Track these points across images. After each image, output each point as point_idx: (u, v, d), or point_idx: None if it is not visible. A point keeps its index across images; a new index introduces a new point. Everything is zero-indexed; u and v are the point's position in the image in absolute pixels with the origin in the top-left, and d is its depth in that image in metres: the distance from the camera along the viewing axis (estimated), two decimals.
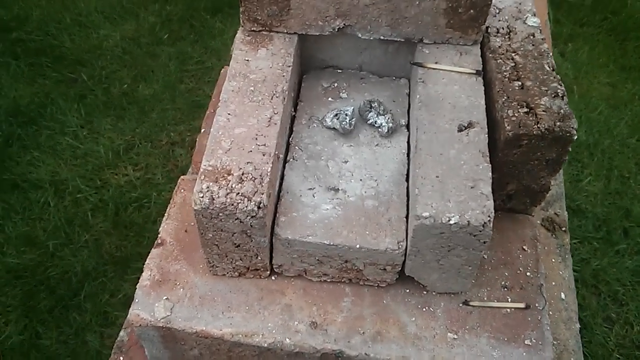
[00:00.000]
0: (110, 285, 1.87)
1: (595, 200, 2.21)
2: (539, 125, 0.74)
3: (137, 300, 0.77)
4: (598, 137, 2.29)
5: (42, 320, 1.86)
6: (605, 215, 2.18)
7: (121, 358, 0.89)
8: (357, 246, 0.72)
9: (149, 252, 0.81)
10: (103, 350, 1.73)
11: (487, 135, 0.74)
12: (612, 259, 2.12)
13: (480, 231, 0.67)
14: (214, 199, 0.65)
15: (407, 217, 0.75)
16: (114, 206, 2.05)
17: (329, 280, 0.78)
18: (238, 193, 0.66)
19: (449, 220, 0.67)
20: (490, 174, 0.70)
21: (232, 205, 0.65)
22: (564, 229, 1.04)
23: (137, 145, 2.20)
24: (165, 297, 0.77)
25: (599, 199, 2.20)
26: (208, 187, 0.66)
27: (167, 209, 0.85)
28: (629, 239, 2.17)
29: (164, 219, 0.84)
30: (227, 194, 0.66)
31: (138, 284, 0.78)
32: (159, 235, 0.83)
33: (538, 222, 1.01)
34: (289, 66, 0.80)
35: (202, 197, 0.65)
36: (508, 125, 0.74)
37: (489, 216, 0.67)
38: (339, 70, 0.92)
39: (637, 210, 2.18)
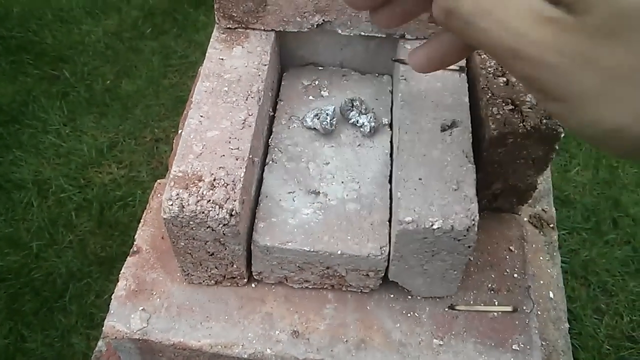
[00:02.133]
0: (96, 286, 1.84)
1: (583, 190, 2.20)
2: (524, 124, 0.71)
3: (112, 312, 0.74)
4: None
5: (27, 323, 1.83)
6: (594, 206, 2.17)
7: None
8: (339, 252, 0.70)
9: (124, 261, 0.78)
10: (89, 353, 1.70)
11: (471, 135, 0.72)
12: (601, 249, 2.12)
13: (465, 235, 0.65)
14: (183, 207, 0.62)
15: (390, 220, 0.73)
16: (98, 205, 2.02)
17: (310, 287, 0.76)
18: (209, 200, 0.63)
19: (432, 225, 0.64)
20: (475, 175, 0.68)
21: (203, 213, 0.62)
22: (551, 225, 1.02)
23: (120, 143, 2.17)
24: (141, 308, 0.74)
25: (587, 189, 2.20)
26: (178, 195, 0.63)
27: (143, 215, 0.83)
28: (618, 229, 2.16)
29: (140, 225, 0.82)
30: (198, 201, 0.63)
31: (113, 294, 0.76)
32: (135, 243, 0.80)
33: (525, 219, 0.99)
34: (265, 65, 0.77)
35: (172, 205, 0.62)
36: (493, 123, 0.71)
37: (473, 220, 0.64)
38: (320, 68, 0.89)
39: (626, 200, 2.18)
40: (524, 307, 0.77)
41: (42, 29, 2.49)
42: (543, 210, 1.03)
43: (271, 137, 0.80)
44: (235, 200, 0.64)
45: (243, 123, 0.71)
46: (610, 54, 0.30)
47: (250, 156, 0.69)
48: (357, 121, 0.80)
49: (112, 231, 1.92)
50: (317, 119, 0.79)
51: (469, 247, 0.66)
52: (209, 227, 0.65)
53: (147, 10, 2.59)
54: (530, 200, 0.99)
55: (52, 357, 1.75)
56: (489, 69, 0.77)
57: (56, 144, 2.13)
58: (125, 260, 0.81)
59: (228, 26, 0.80)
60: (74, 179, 2.05)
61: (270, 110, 0.82)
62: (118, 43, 2.43)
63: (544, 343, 0.92)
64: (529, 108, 0.73)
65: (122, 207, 1.98)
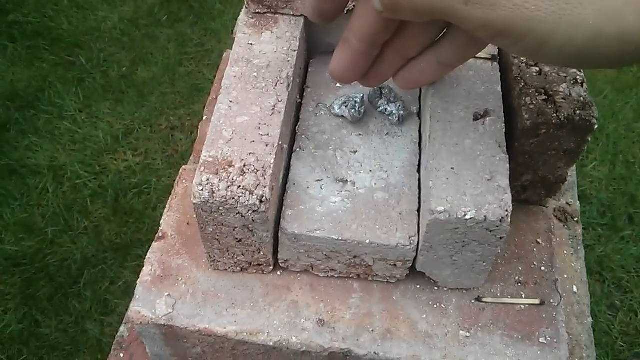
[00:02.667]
0: (110, 273, 1.85)
1: (600, 185, 2.18)
2: (558, 114, 0.70)
3: (137, 297, 0.74)
4: (603, 121, 2.26)
5: (41, 308, 1.84)
6: (610, 201, 2.15)
7: (122, 354, 0.87)
8: (367, 241, 0.69)
9: (150, 244, 0.78)
10: (103, 339, 1.72)
11: (504, 125, 0.71)
12: (616, 245, 2.10)
13: (498, 226, 0.64)
14: (214, 192, 0.62)
15: (419, 210, 0.72)
16: (113, 192, 2.02)
17: (336, 276, 0.75)
18: (239, 186, 0.62)
19: (464, 215, 0.63)
20: (508, 165, 0.67)
21: (233, 199, 0.62)
22: (575, 219, 1.00)
23: (136, 130, 2.17)
24: (167, 294, 0.74)
25: (603, 184, 2.18)
26: (208, 180, 0.63)
27: (169, 200, 0.82)
28: (634, 225, 2.14)
29: (165, 210, 0.81)
30: (228, 187, 0.62)
31: (139, 279, 0.75)
32: (160, 228, 0.80)
33: (550, 212, 0.98)
34: (295, 50, 0.76)
35: (202, 190, 0.62)
36: (526, 113, 0.70)
37: (506, 210, 0.63)
38: None
39: None
40: (551, 301, 0.76)
41: (58, 14, 2.49)
42: (567, 203, 1.02)
43: (298, 124, 0.79)
44: (265, 187, 0.64)
45: (272, 109, 0.70)
46: None
47: (280, 143, 0.68)
48: (386, 109, 0.79)
49: (127, 218, 1.93)
50: (346, 107, 0.78)
51: (501, 238, 0.66)
52: (238, 213, 0.64)
53: None
54: (558, 193, 0.97)
55: (66, 342, 1.76)
56: (522, 58, 0.76)
57: (72, 130, 2.14)
58: (142, 247, 0.81)
59: (257, 10, 0.79)
60: (90, 166, 2.05)
61: (298, 97, 0.81)
62: (134, 30, 2.43)
63: (567, 337, 0.91)
64: (562, 99, 0.72)
65: (137, 194, 1.98)
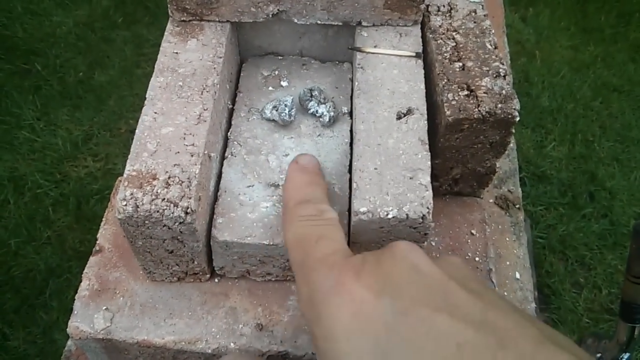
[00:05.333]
0: (75, 282, 1.83)
1: (560, 165, 2.22)
2: (479, 109, 0.71)
3: (75, 312, 0.74)
4: (561, 101, 2.30)
5: (8, 321, 1.83)
6: (570, 180, 2.19)
7: None
8: None
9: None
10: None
11: (426, 122, 0.72)
12: (578, 223, 2.14)
13: (420, 224, 0.65)
14: (137, 207, 0.62)
15: (349, 210, 0.73)
16: (75, 200, 2.01)
17: (274, 279, 0.76)
18: (164, 199, 0.63)
19: (387, 215, 0.64)
20: (429, 162, 0.68)
21: (158, 212, 0.62)
22: (517, 206, 1.02)
23: (95, 135, 2.15)
24: (104, 307, 0.74)
25: (563, 164, 2.21)
26: (132, 194, 0.63)
27: (105, 213, 0.82)
28: (594, 203, 2.18)
29: (102, 223, 0.81)
30: (152, 200, 0.62)
31: (77, 294, 0.76)
32: (97, 242, 0.80)
33: (491, 200, 1.00)
34: (221, 57, 0.76)
35: (126, 205, 0.62)
36: (448, 110, 0.71)
37: (427, 208, 0.65)
38: (279, 57, 0.88)
39: (602, 173, 2.20)
40: None
41: (13, 22, 2.44)
42: (509, 191, 1.03)
43: (230, 130, 0.79)
44: (190, 198, 0.64)
45: (198, 118, 0.70)
46: None
47: (206, 152, 0.69)
48: (317, 111, 0.80)
49: (90, 225, 1.92)
50: (276, 111, 0.79)
51: (425, 234, 0.67)
52: (165, 225, 0.64)
53: None
54: (495, 182, 0.99)
55: (35, 354, 1.75)
56: (445, 54, 0.77)
57: (30, 139, 2.11)
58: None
59: (182, 19, 0.79)
60: (50, 174, 2.03)
61: (229, 102, 0.81)
62: (89, 34, 2.40)
63: None
64: (484, 93, 0.73)
65: (99, 200, 1.97)
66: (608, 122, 2.25)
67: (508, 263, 0.99)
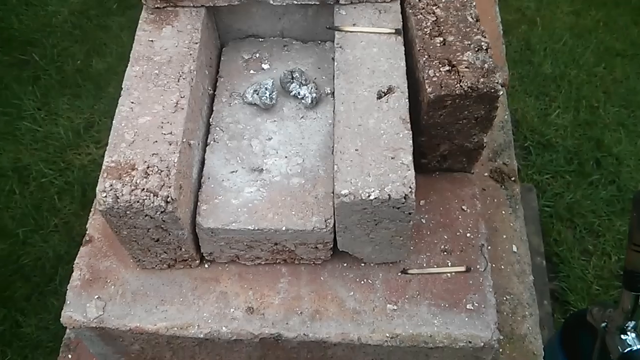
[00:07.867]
0: None
1: (565, 133, 2.18)
2: (461, 84, 0.70)
3: (68, 302, 0.75)
4: (564, 68, 2.24)
5: (20, 308, 1.86)
6: (576, 148, 2.16)
7: (69, 356, 0.89)
8: (284, 228, 0.70)
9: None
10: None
11: (407, 100, 0.71)
12: (585, 191, 2.11)
13: (403, 203, 0.65)
14: (118, 198, 0.62)
15: (334, 192, 0.72)
16: (80, 187, 2.02)
17: (263, 263, 0.76)
18: (143, 189, 0.63)
19: (369, 196, 0.64)
20: (411, 141, 0.67)
21: (138, 202, 0.62)
22: (513, 178, 1.01)
23: (97, 123, 2.15)
24: (96, 296, 0.75)
25: (568, 131, 2.18)
26: (111, 185, 0.63)
27: (94, 204, 0.83)
28: (601, 169, 2.15)
29: (91, 214, 0.82)
30: (132, 190, 0.63)
31: (69, 284, 0.77)
32: (87, 232, 0.80)
33: (486, 174, 0.99)
34: (197, 43, 0.75)
35: (106, 196, 0.62)
36: (429, 87, 0.70)
37: (410, 187, 0.64)
38: (260, 39, 0.87)
39: (609, 139, 2.16)
40: (478, 266, 0.78)
41: (8, 14, 2.43)
42: (504, 163, 1.02)
43: (212, 116, 0.79)
44: (170, 187, 0.64)
45: (175, 106, 0.70)
46: None
47: (185, 140, 0.69)
48: (298, 93, 0.79)
49: None
50: (257, 94, 0.78)
51: (410, 213, 0.66)
52: (146, 215, 0.65)
53: None
54: (490, 155, 0.98)
55: (48, 339, 1.78)
56: (425, 30, 0.75)
57: (32, 129, 2.12)
58: None
59: (156, 5, 0.78)
60: (54, 163, 2.05)
61: (210, 88, 0.81)
62: (85, 21, 2.38)
63: (508, 297, 0.93)
64: (466, 67, 0.71)
65: None
66: (612, 87, 2.20)
67: (504, 236, 0.99)
